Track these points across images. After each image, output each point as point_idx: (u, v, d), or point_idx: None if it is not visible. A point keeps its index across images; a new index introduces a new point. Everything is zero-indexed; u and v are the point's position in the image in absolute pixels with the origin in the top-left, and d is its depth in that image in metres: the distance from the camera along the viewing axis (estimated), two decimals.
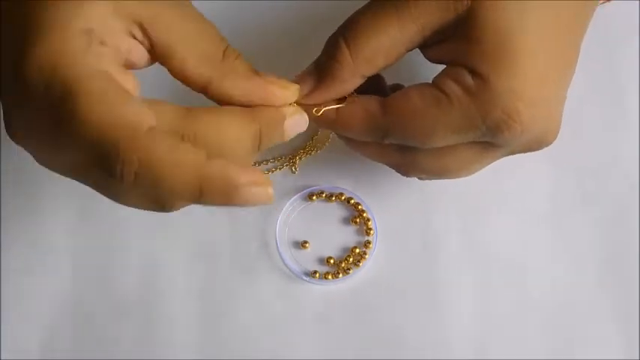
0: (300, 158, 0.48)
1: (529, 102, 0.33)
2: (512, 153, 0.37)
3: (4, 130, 0.47)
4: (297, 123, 0.36)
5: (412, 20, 0.34)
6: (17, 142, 0.33)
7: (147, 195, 0.32)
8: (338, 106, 0.37)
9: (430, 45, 0.36)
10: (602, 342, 0.45)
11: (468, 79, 0.33)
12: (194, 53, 0.33)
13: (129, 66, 0.33)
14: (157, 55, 0.33)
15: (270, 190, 0.31)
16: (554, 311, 0.45)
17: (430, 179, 0.41)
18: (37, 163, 0.48)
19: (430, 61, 0.37)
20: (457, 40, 0.34)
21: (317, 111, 0.37)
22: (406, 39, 0.35)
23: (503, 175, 0.45)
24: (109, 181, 0.30)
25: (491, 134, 0.34)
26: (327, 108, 0.37)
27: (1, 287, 0.46)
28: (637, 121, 0.47)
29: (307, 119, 0.37)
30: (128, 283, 0.46)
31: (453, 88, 0.34)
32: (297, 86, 0.36)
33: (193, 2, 0.40)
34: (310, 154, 0.48)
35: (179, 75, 0.34)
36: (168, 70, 0.34)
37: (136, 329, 0.46)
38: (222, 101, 0.34)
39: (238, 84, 0.34)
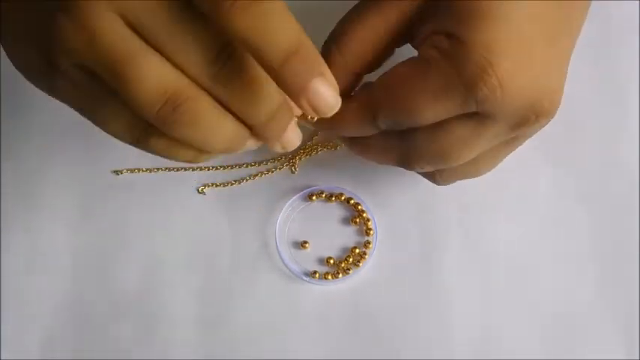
0: (299, 159, 0.48)
1: (503, 55, 0.33)
2: (512, 128, 0.36)
3: (4, 131, 0.48)
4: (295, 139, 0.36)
5: (389, 5, 0.35)
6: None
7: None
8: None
9: (417, 34, 0.36)
10: (602, 342, 0.45)
11: (444, 42, 0.33)
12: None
13: None
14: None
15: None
16: (555, 311, 0.45)
17: (442, 178, 0.40)
18: (37, 164, 0.48)
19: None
20: (436, 15, 0.34)
21: (312, 118, 0.37)
22: (389, 26, 0.36)
23: (503, 175, 0.45)
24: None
25: (469, 92, 0.33)
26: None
27: (1, 287, 0.46)
28: (637, 121, 0.47)
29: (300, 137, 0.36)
30: (128, 283, 0.46)
31: (430, 52, 0.34)
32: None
33: None
34: (310, 154, 0.48)
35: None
36: None
37: (136, 329, 0.46)
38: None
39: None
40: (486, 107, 0.34)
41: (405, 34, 0.36)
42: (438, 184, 0.41)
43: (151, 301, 0.46)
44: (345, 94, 0.37)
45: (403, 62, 0.35)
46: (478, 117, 0.35)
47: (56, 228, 0.47)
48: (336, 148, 0.48)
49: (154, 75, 0.29)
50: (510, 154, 0.39)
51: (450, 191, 0.45)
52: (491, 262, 0.46)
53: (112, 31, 0.29)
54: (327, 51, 0.36)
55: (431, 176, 0.41)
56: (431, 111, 0.34)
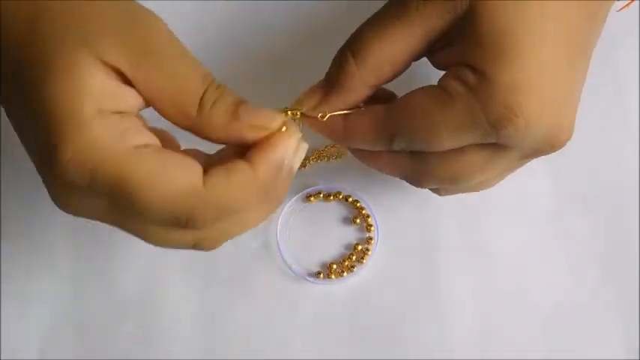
0: (309, 162, 0.47)
1: (531, 95, 0.33)
2: (526, 157, 0.36)
3: (4, 130, 0.48)
4: (300, 156, 0.36)
5: (415, 25, 0.34)
6: (63, 210, 0.34)
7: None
8: (343, 112, 0.37)
9: (436, 51, 0.36)
10: (602, 342, 0.45)
11: (470, 77, 0.33)
12: (169, 105, 0.33)
13: (145, 106, 0.34)
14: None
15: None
16: (555, 311, 0.45)
17: (446, 192, 0.41)
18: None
19: (439, 68, 0.37)
20: (460, 42, 0.34)
21: (322, 116, 0.37)
22: (410, 45, 0.35)
23: None
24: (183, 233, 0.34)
25: (494, 131, 0.33)
26: (332, 114, 0.37)
27: (1, 287, 0.46)
28: (637, 122, 0.47)
29: (305, 148, 0.36)
30: (128, 284, 0.46)
31: (454, 85, 0.34)
32: (278, 119, 0.35)
33: (202, 3, 0.41)
34: (320, 160, 0.48)
35: (164, 117, 0.34)
36: None
37: (136, 329, 0.46)
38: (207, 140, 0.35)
39: (215, 134, 0.34)
40: (507, 142, 0.34)
41: (425, 53, 0.36)
42: (440, 195, 0.41)
43: (151, 301, 0.46)
44: (358, 105, 0.37)
45: (425, 90, 0.35)
46: (495, 146, 0.35)
47: (56, 229, 0.47)
48: (340, 157, 0.48)
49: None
50: (527, 162, 0.39)
51: None
52: (491, 261, 0.46)
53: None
54: (345, 61, 0.36)
55: (434, 190, 0.41)
56: (450, 141, 0.35)
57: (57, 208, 0.47)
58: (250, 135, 0.34)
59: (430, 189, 0.41)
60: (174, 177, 0.32)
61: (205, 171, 0.33)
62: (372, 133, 0.36)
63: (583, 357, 0.45)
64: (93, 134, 0.30)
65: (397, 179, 0.40)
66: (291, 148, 0.34)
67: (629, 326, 0.45)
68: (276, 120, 0.34)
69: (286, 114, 0.36)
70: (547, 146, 0.35)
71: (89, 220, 0.47)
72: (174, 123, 0.33)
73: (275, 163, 0.34)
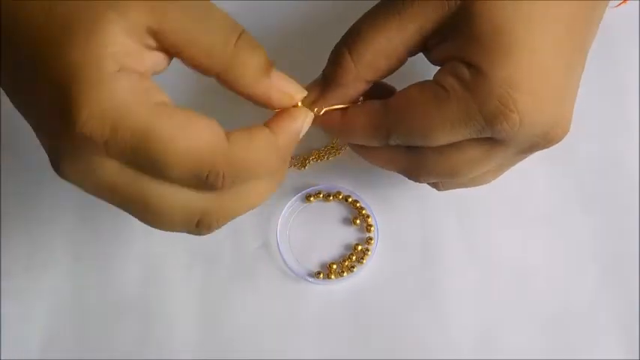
0: (309, 161, 0.47)
1: (525, 91, 0.33)
2: (522, 152, 0.37)
3: (4, 130, 0.48)
4: (306, 126, 0.37)
5: (409, 21, 0.35)
6: (66, 179, 0.34)
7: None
8: (340, 106, 0.38)
9: (432, 47, 0.36)
10: (602, 342, 0.45)
11: (465, 72, 0.34)
12: (200, 49, 0.33)
13: (156, 73, 0.34)
14: (170, 53, 0.33)
15: None
16: (555, 312, 0.45)
17: (444, 187, 0.41)
18: (37, 164, 0.48)
19: (434, 63, 0.37)
20: (455, 37, 0.34)
21: (318, 111, 0.37)
22: (405, 40, 0.35)
23: (503, 175, 0.45)
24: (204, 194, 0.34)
25: (489, 126, 0.34)
26: (328, 108, 0.37)
27: (1, 287, 0.46)
28: (637, 122, 0.47)
29: (312, 117, 0.37)
30: (128, 283, 0.46)
31: (450, 81, 0.34)
32: (303, 92, 0.36)
33: None
34: (321, 159, 0.48)
35: (190, 65, 0.34)
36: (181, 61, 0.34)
37: (136, 329, 0.46)
38: (231, 90, 0.35)
39: (244, 83, 0.34)
40: (503, 136, 0.34)
41: (421, 48, 0.36)
42: (438, 190, 0.41)
43: (151, 301, 0.46)
44: (355, 100, 0.38)
45: (421, 85, 0.35)
46: (491, 141, 0.35)
47: (56, 228, 0.47)
48: (339, 153, 0.48)
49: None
50: (525, 157, 0.40)
51: (449, 191, 0.45)
52: (491, 261, 0.46)
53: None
54: (341, 56, 0.36)
55: (433, 184, 0.41)
56: (446, 136, 0.35)
57: (57, 207, 0.47)
58: (277, 98, 0.34)
59: (428, 183, 0.41)
60: (199, 131, 0.32)
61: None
62: (368, 129, 0.37)
63: (583, 357, 0.45)
64: (115, 89, 0.30)
65: (397, 179, 0.40)
66: (307, 122, 0.36)
67: (629, 326, 0.45)
68: (302, 93, 0.36)
69: None
70: (543, 141, 0.35)
71: (89, 220, 0.47)
72: (205, 70, 0.33)
73: (294, 134, 0.35)
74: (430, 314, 0.45)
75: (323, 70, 0.38)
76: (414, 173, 0.39)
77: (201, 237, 0.46)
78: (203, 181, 0.32)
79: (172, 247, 0.47)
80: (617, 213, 0.46)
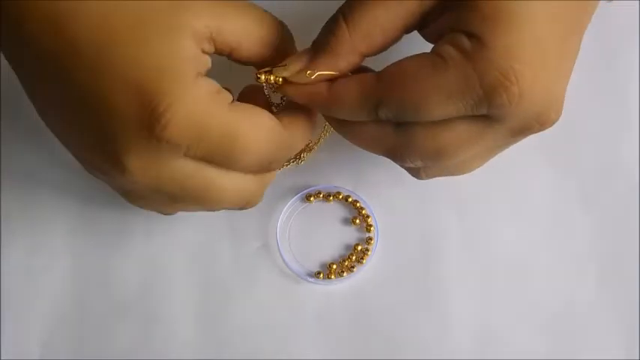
0: (306, 153, 0.47)
1: (526, 63, 0.32)
2: (514, 134, 0.36)
3: (4, 130, 0.48)
4: None
5: None
6: (131, 174, 0.35)
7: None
8: (331, 72, 0.36)
9: (430, 23, 0.35)
10: (602, 342, 0.45)
11: (465, 42, 0.33)
12: (256, 45, 0.36)
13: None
14: (222, 51, 0.36)
15: None
16: (555, 311, 0.45)
17: (427, 174, 0.39)
18: (37, 164, 0.48)
19: (431, 40, 0.36)
20: (456, 9, 0.34)
21: (310, 74, 0.36)
22: (405, 12, 0.35)
23: (503, 175, 0.46)
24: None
25: (488, 98, 0.33)
26: (320, 73, 0.36)
27: (1, 287, 0.46)
28: (637, 122, 0.47)
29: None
30: (128, 283, 0.46)
31: (449, 50, 0.33)
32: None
33: None
34: (312, 150, 0.47)
35: (244, 58, 0.37)
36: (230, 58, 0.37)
37: (135, 329, 0.46)
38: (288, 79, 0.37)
39: (294, 70, 0.37)
40: (498, 112, 0.34)
41: (419, 22, 0.35)
42: (420, 179, 0.40)
43: (151, 301, 0.46)
44: (346, 73, 0.36)
45: (417, 56, 0.35)
46: (484, 119, 0.35)
47: (56, 228, 0.47)
48: (316, 147, 0.47)
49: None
50: (510, 155, 0.39)
51: (449, 191, 0.45)
52: (491, 261, 0.46)
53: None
54: (336, 25, 0.35)
55: (415, 171, 0.40)
56: (440, 109, 0.34)
57: (57, 207, 0.47)
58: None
59: (410, 171, 0.40)
60: (266, 122, 0.35)
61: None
62: (358, 99, 0.35)
63: (583, 357, 0.45)
64: (198, 95, 0.33)
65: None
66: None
67: (629, 326, 0.45)
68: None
69: (268, 76, 0.37)
70: (536, 123, 0.35)
71: (89, 220, 0.47)
72: (259, 61, 0.37)
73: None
74: (430, 314, 0.45)
75: (313, 41, 0.37)
76: (400, 153, 0.37)
77: (201, 237, 0.47)
78: (265, 167, 0.36)
79: (172, 247, 0.47)
80: (617, 213, 0.46)
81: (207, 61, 0.35)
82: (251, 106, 0.35)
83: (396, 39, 0.36)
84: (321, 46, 0.36)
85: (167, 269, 0.46)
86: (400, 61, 0.35)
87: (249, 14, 0.36)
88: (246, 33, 0.36)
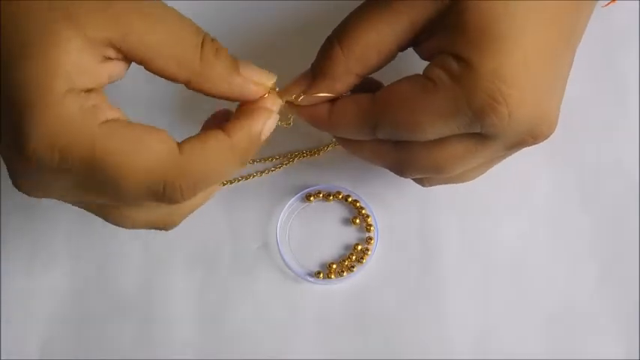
0: (299, 158, 0.47)
1: (514, 84, 0.33)
2: (509, 148, 0.37)
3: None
4: (270, 127, 0.36)
5: (401, 13, 0.35)
6: (25, 193, 0.34)
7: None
8: (326, 95, 0.37)
9: (422, 41, 0.36)
10: (602, 342, 0.45)
11: (453, 65, 0.33)
12: (169, 60, 0.33)
13: (112, 82, 0.34)
14: (133, 61, 0.33)
15: None
16: (554, 311, 0.45)
17: (430, 183, 0.41)
18: None
19: (424, 58, 0.37)
20: (445, 31, 0.34)
21: (296, 98, 0.37)
22: (397, 33, 0.35)
23: (503, 175, 0.45)
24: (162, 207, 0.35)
25: (478, 119, 0.33)
26: (315, 95, 0.37)
27: (1, 287, 0.46)
28: (637, 122, 0.47)
29: (277, 119, 0.37)
30: (128, 283, 0.46)
31: (438, 74, 0.34)
32: (273, 77, 0.36)
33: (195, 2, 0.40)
34: (310, 156, 0.47)
35: (158, 74, 0.34)
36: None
37: (135, 329, 0.46)
38: (205, 93, 0.35)
39: (217, 85, 0.34)
40: (491, 131, 0.34)
41: (411, 42, 0.36)
42: (424, 185, 0.41)
43: (151, 301, 0.46)
44: (344, 94, 0.37)
45: (409, 79, 0.35)
46: (478, 137, 0.35)
47: (56, 228, 0.47)
48: (319, 154, 0.48)
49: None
50: (510, 154, 0.40)
51: (449, 191, 0.45)
52: (491, 261, 0.46)
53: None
54: (331, 49, 0.36)
55: (418, 180, 0.41)
56: (433, 130, 0.35)
57: (57, 207, 0.47)
58: (254, 90, 0.35)
59: (414, 179, 0.41)
60: (150, 146, 0.32)
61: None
62: (356, 121, 0.37)
63: (583, 357, 0.45)
64: (61, 113, 0.30)
65: (397, 178, 0.40)
66: (269, 122, 0.36)
67: (629, 326, 0.45)
68: (272, 79, 0.36)
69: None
70: (530, 137, 0.35)
71: (89, 220, 0.47)
72: (174, 77, 0.33)
73: (253, 134, 0.35)
74: (430, 314, 0.45)
75: (312, 63, 0.37)
76: (401, 168, 0.39)
77: (201, 237, 0.47)
78: (161, 195, 0.32)
79: (172, 247, 0.47)
80: (617, 213, 0.46)
81: (107, 68, 0.32)
82: (141, 127, 0.32)
83: (391, 58, 0.37)
84: (318, 71, 0.37)
85: (167, 269, 0.46)
86: (393, 83, 0.36)
87: (163, 28, 0.33)
88: (156, 48, 0.32)
